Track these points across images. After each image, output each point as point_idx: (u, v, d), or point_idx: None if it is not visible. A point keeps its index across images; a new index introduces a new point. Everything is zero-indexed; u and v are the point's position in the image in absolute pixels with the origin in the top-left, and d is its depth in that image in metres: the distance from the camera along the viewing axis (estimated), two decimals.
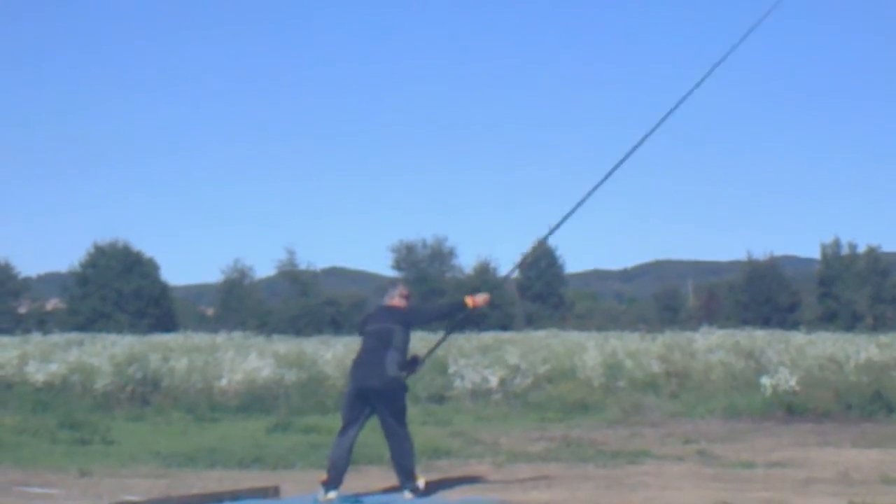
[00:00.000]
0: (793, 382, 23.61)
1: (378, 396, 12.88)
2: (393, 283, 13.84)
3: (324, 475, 12.73)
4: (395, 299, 13.48)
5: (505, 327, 75.79)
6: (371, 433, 13.28)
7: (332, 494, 12.57)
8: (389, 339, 13.05)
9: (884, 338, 38.27)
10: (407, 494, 12.79)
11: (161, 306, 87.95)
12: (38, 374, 26.89)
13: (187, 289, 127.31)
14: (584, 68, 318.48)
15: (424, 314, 14.59)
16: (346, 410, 13.02)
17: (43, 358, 29.76)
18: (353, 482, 13.83)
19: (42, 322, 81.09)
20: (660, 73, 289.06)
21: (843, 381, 24.40)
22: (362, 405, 12.87)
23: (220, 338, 46.35)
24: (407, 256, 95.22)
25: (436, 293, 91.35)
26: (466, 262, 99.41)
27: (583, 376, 27.12)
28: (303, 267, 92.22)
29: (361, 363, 13.08)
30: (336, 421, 13.39)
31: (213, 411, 23.87)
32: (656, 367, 28.45)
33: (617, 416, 22.86)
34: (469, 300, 13.54)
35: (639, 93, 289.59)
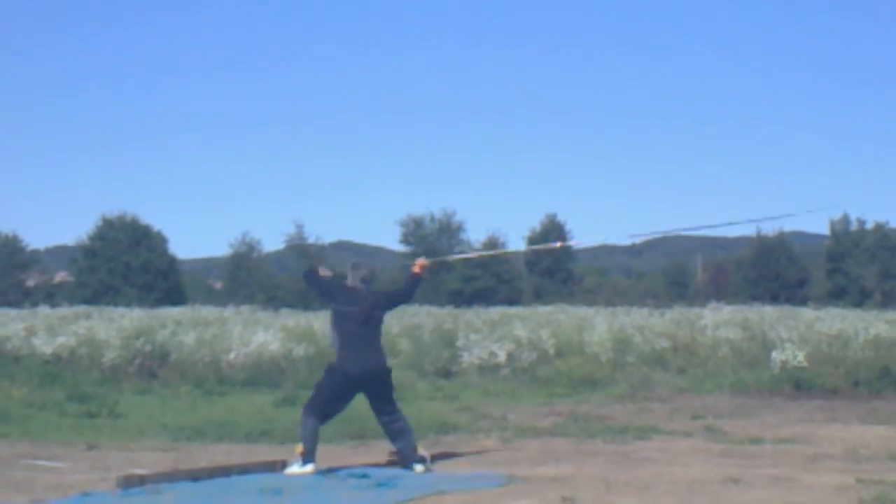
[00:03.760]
0: (801, 358, 23.59)
1: (376, 383, 13.01)
2: (361, 264, 13.62)
3: (300, 447, 12.78)
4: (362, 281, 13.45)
5: (512, 302, 75.79)
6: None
7: (309, 468, 12.69)
8: (379, 325, 13.25)
9: (892, 314, 38.20)
10: (418, 468, 12.88)
11: (169, 280, 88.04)
12: (45, 346, 26.89)
13: (195, 262, 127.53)
14: (593, 52, 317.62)
15: (399, 297, 14.25)
16: (335, 396, 12.96)
17: (51, 331, 29.76)
18: (363, 457, 13.91)
19: (50, 295, 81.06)
20: (662, 59, 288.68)
21: (851, 358, 24.35)
22: (352, 392, 12.92)
23: (229, 311, 46.32)
24: (415, 230, 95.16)
25: (444, 268, 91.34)
26: (475, 236, 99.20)
27: (591, 351, 27.07)
28: (311, 241, 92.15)
29: (360, 348, 13.02)
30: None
31: (221, 385, 23.88)
32: (664, 343, 28.40)
33: (625, 392, 22.83)
34: (415, 268, 13.74)
35: (641, 77, 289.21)
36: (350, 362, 12.96)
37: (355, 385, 12.95)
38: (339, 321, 13.08)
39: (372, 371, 13.00)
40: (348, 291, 13.29)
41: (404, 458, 13.05)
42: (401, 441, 13.09)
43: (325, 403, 12.97)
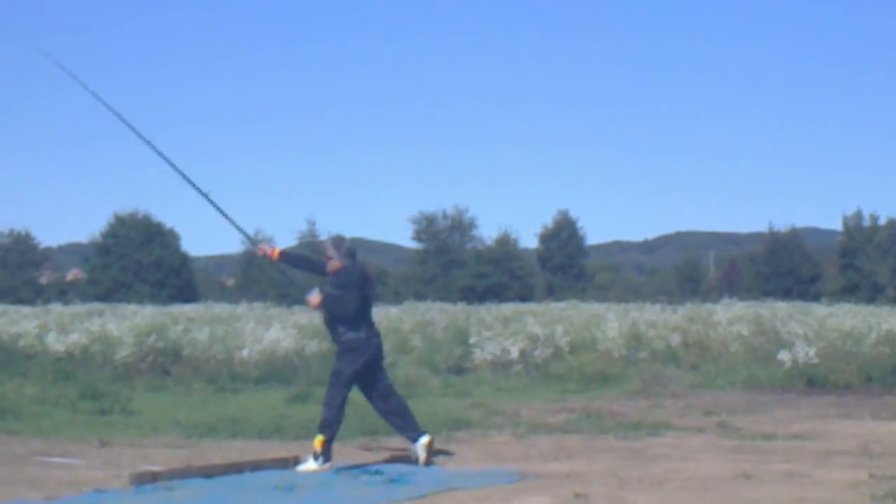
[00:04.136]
0: (811, 354, 23.55)
1: (380, 358, 13.26)
2: (342, 238, 13.47)
3: (320, 442, 12.79)
4: (347, 255, 13.35)
5: (525, 298, 75.85)
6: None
7: (327, 465, 12.76)
8: None
9: None
10: (426, 439, 13.06)
11: (182, 277, 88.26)
12: (58, 344, 26.95)
13: (208, 259, 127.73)
14: (606, 47, 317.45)
15: None
16: (355, 376, 12.99)
17: (63, 328, 29.82)
18: (375, 453, 13.92)
19: (63, 292, 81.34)
20: (675, 54, 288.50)
21: (863, 353, 24.31)
22: (368, 367, 13.01)
23: (241, 308, 46.39)
24: (427, 227, 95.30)
25: (456, 264, 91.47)
26: (487, 233, 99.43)
27: (603, 348, 27.07)
28: (323, 237, 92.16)
29: (372, 321, 13.22)
30: (353, 393, 13.35)
31: (234, 382, 23.90)
32: (677, 339, 28.39)
33: (637, 388, 22.83)
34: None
35: (654, 72, 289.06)
36: (374, 335, 13.12)
37: (374, 357, 13.04)
38: (360, 305, 13.01)
39: (381, 347, 13.29)
40: (351, 273, 13.12)
41: (411, 430, 13.13)
42: (404, 417, 13.18)
43: (350, 384, 13.01)
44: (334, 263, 13.11)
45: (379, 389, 13.16)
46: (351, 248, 13.26)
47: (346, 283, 12.92)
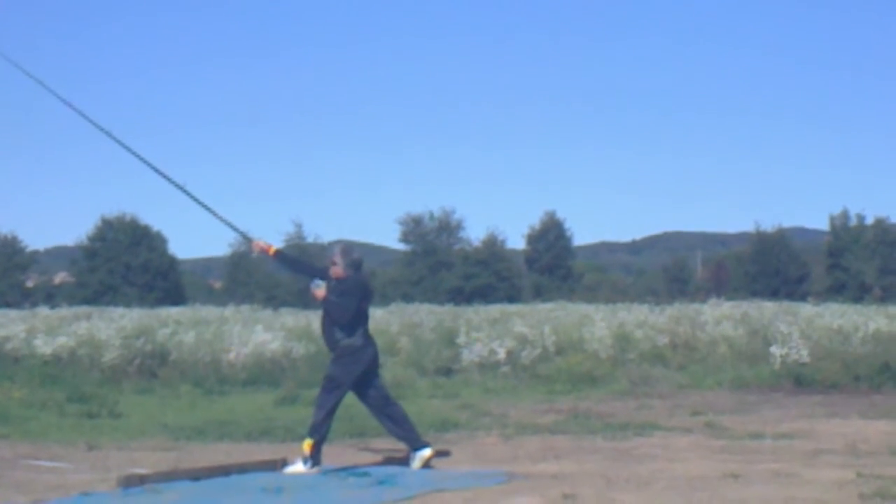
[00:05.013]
0: (804, 353, 23.60)
1: (376, 366, 13.20)
2: (351, 247, 13.32)
3: (309, 446, 12.74)
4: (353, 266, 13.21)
5: (512, 300, 75.86)
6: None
7: (315, 469, 12.70)
8: None
9: (892, 309, 38.19)
10: (428, 452, 12.97)
11: (169, 279, 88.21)
12: (45, 347, 26.85)
13: (195, 262, 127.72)
14: (592, 47, 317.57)
15: None
16: (351, 383, 12.92)
17: (51, 331, 29.73)
18: (364, 455, 13.90)
19: (50, 296, 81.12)
20: (660, 54, 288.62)
21: (851, 353, 24.35)
22: (363, 375, 12.94)
23: (228, 311, 46.27)
24: (414, 229, 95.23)
25: (443, 266, 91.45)
26: (474, 234, 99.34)
27: (591, 348, 27.05)
28: (310, 240, 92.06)
29: (371, 338, 13.13)
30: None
31: (222, 384, 23.87)
32: (664, 339, 28.38)
33: (625, 388, 22.84)
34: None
35: (640, 73, 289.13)
36: (371, 344, 13.05)
37: (370, 366, 12.99)
38: (356, 313, 12.94)
39: (377, 356, 13.26)
40: (353, 283, 13.05)
41: (412, 441, 13.05)
42: (404, 426, 13.09)
43: (343, 391, 12.95)
44: (337, 270, 13.02)
45: (376, 397, 13.10)
46: (357, 260, 13.14)
47: (345, 292, 12.88)
